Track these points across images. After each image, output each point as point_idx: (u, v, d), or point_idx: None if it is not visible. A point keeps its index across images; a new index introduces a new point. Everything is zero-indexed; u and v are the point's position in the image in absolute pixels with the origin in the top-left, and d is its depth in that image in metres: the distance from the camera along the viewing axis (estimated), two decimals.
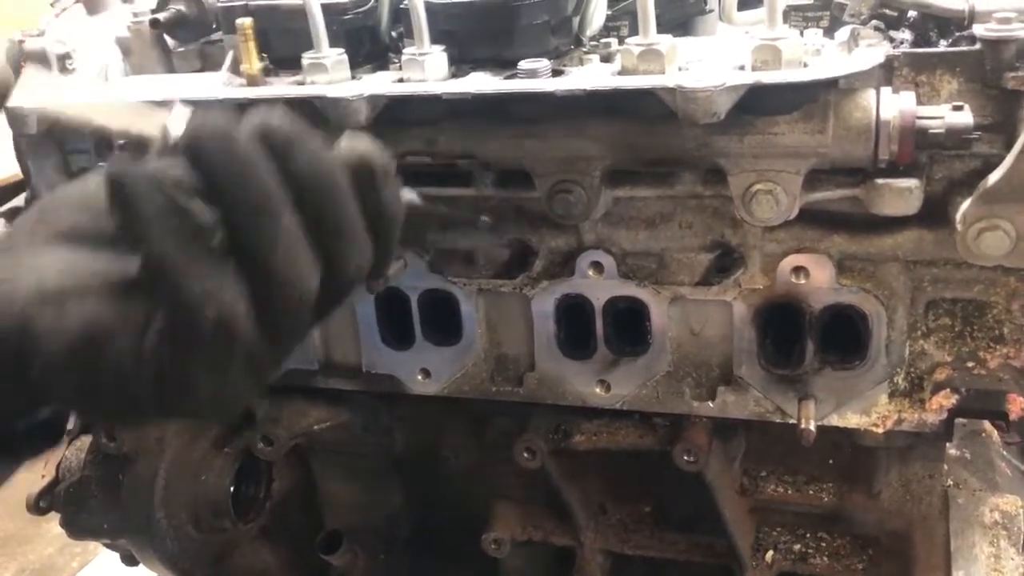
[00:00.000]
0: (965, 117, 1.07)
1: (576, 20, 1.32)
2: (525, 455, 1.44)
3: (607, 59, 1.31)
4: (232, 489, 1.70)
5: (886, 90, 1.10)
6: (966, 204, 1.10)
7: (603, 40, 1.40)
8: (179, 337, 0.69)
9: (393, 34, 1.41)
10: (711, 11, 1.50)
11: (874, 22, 1.21)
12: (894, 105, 1.08)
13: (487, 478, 1.61)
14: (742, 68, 1.13)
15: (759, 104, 1.09)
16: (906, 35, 1.26)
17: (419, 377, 1.49)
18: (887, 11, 1.23)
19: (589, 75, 1.20)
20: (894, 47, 1.20)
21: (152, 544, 1.58)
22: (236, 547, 1.74)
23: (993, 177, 1.05)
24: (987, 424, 1.54)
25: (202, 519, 1.62)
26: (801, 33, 1.29)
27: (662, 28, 1.20)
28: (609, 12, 1.44)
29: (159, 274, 0.67)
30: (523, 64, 1.20)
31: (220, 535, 1.67)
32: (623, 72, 1.17)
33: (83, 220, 0.75)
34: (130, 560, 1.75)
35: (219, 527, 1.65)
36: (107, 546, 1.77)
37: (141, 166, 0.69)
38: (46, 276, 0.70)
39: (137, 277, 0.70)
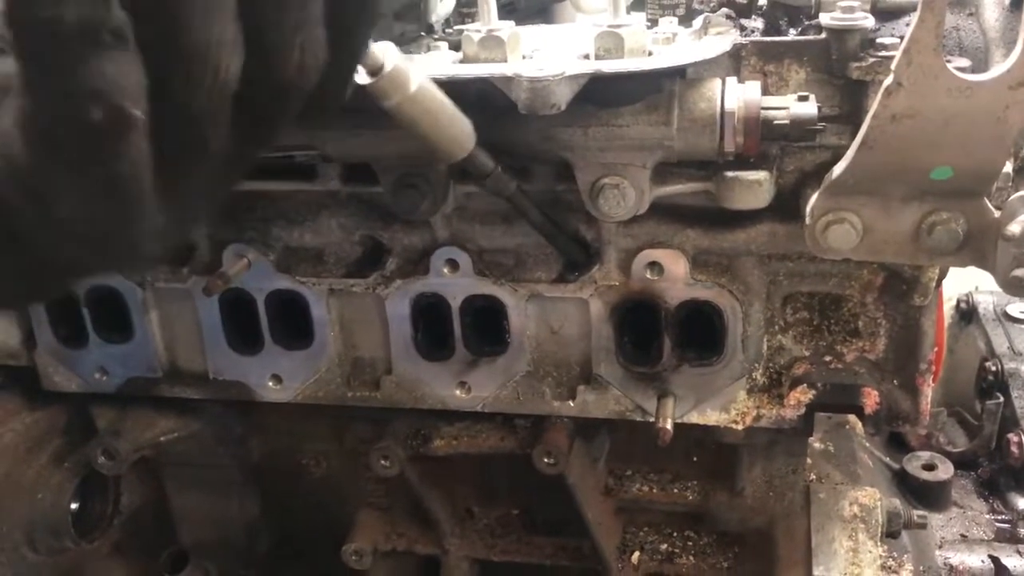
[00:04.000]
0: (810, 108, 1.05)
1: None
2: (382, 462, 1.38)
3: (458, 47, 1.25)
4: (77, 506, 1.59)
5: (731, 80, 1.07)
6: (813, 197, 1.07)
7: (458, 27, 1.34)
8: (45, 137, 0.52)
9: None
10: None
11: (724, 10, 1.18)
12: (738, 96, 1.04)
13: (349, 486, 1.54)
14: (587, 57, 1.09)
15: (602, 95, 1.04)
16: (758, 23, 1.23)
17: (270, 383, 1.41)
18: None
19: (429, 64, 1.14)
20: (744, 35, 1.16)
21: None
22: (84, 566, 1.63)
23: (837, 169, 1.03)
24: (852, 415, 1.54)
25: (39, 540, 1.51)
26: (656, 21, 1.26)
27: (521, 14, 1.15)
28: None
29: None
30: None
31: (62, 556, 1.56)
32: (465, 60, 1.11)
33: None
34: None
35: (59, 547, 1.54)
36: None
37: None
38: None
39: None
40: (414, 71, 0.87)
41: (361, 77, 0.82)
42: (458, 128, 0.94)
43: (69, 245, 0.58)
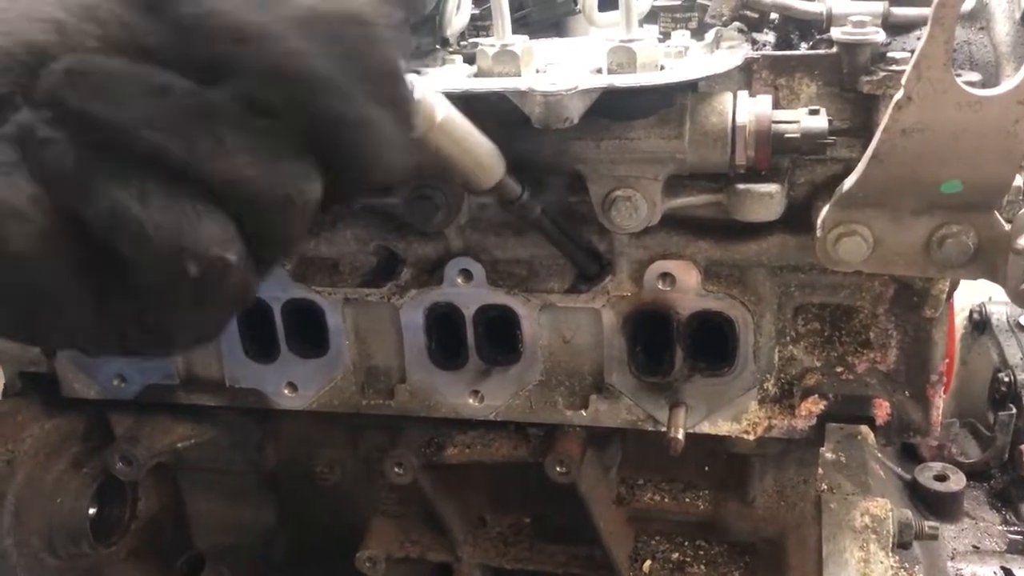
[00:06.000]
0: (820, 121, 1.06)
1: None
2: (396, 470, 1.39)
3: (472, 60, 1.27)
4: (95, 511, 1.61)
5: (743, 94, 1.08)
6: (824, 210, 1.08)
7: (472, 40, 1.36)
8: (154, 296, 0.58)
9: None
10: (581, 11, 1.47)
11: (736, 24, 1.19)
12: (750, 109, 1.05)
13: (363, 493, 1.56)
14: (600, 71, 1.10)
15: (615, 108, 1.06)
16: (770, 37, 1.24)
17: (285, 391, 1.42)
18: (749, 13, 1.21)
19: (445, 77, 1.15)
20: (756, 49, 1.18)
21: (1, 574, 1.49)
22: (102, 571, 1.65)
23: (848, 182, 1.03)
24: (863, 426, 1.55)
25: (58, 545, 1.52)
26: (669, 34, 1.27)
27: (534, 28, 1.16)
28: (479, 11, 1.40)
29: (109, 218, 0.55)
30: None
31: (80, 560, 1.58)
32: (479, 74, 1.13)
33: None
34: None
35: (78, 552, 1.56)
36: None
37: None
38: None
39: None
40: (440, 101, 0.88)
41: None
42: (488, 156, 0.96)
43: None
